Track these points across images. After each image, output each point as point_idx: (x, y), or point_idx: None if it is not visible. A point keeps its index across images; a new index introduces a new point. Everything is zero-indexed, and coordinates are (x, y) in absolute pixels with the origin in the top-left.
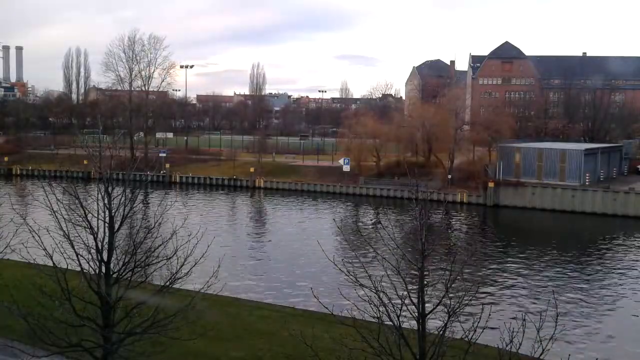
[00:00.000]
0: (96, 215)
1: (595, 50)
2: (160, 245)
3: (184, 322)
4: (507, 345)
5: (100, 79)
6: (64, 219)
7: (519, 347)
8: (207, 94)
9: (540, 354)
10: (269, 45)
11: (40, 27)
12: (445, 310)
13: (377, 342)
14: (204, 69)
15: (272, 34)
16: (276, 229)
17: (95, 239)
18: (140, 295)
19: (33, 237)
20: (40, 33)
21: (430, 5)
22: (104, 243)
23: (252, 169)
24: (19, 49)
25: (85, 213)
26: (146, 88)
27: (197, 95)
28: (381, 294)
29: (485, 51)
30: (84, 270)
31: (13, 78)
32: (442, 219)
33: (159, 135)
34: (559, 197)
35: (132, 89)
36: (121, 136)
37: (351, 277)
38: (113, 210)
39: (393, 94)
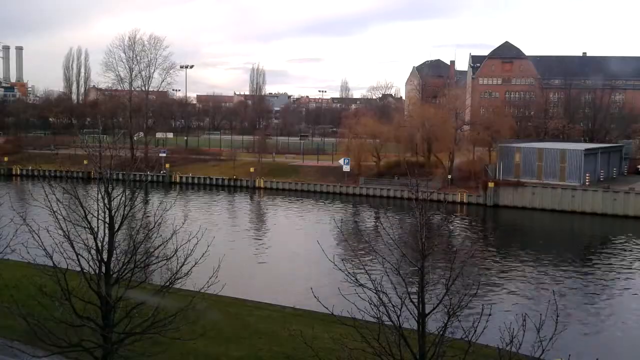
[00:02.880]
0: (96, 215)
1: (595, 50)
2: (160, 245)
3: (184, 322)
4: (507, 345)
5: (100, 79)
6: (64, 219)
7: (519, 347)
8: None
9: (540, 354)
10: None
11: (40, 27)
12: (445, 310)
13: (377, 342)
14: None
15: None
16: (276, 229)
17: (95, 239)
18: (140, 295)
19: (33, 237)
20: (40, 33)
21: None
22: (104, 243)
23: (252, 169)
24: (19, 49)
25: (85, 213)
26: (146, 88)
27: (197, 95)
28: (381, 294)
29: (485, 51)
30: (84, 270)
31: (13, 78)
32: (442, 219)
33: (159, 135)
34: (559, 197)
35: (132, 89)
36: (121, 136)
37: (351, 277)
38: (113, 211)
39: (393, 94)
